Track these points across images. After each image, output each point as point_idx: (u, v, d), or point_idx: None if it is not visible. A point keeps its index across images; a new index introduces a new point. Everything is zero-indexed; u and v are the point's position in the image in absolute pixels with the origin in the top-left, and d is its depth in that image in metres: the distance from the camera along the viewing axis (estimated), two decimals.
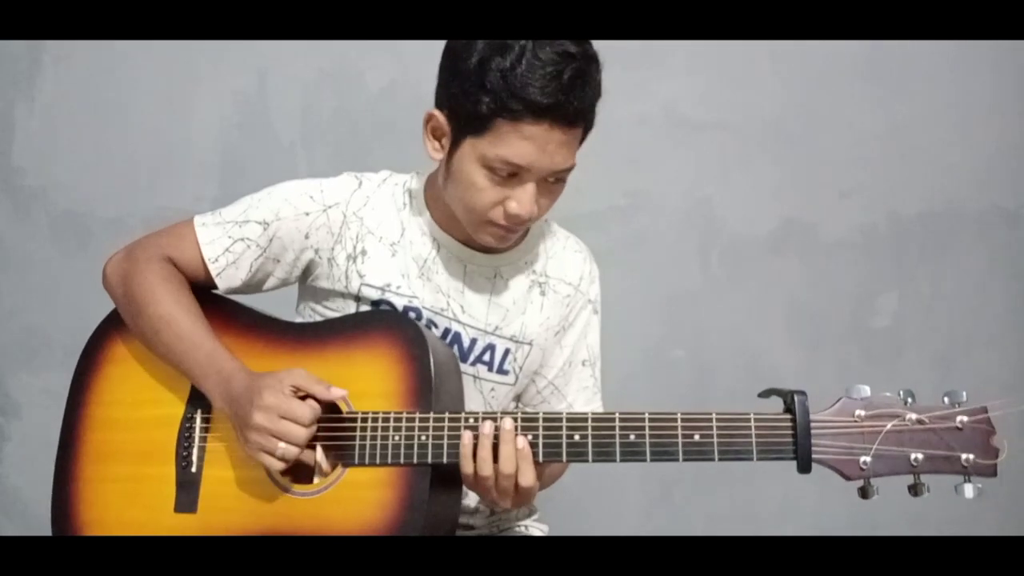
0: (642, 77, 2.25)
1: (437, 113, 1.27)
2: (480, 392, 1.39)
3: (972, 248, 2.30)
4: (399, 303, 1.34)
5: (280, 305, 1.44)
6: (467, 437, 1.19)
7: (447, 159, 1.28)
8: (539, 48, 1.17)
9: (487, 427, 1.18)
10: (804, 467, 1.10)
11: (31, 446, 2.34)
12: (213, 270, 1.35)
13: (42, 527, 1.35)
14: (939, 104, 2.29)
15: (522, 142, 1.19)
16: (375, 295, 1.34)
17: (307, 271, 1.39)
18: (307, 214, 1.35)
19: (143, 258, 1.36)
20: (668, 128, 2.30)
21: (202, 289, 1.37)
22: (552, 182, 1.26)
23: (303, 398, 1.22)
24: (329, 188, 1.37)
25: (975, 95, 2.29)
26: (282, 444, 1.19)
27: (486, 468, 1.18)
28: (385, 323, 1.30)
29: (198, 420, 1.31)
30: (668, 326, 2.33)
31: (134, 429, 1.34)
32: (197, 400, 1.32)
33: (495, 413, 1.21)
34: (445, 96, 1.26)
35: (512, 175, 1.22)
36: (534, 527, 1.52)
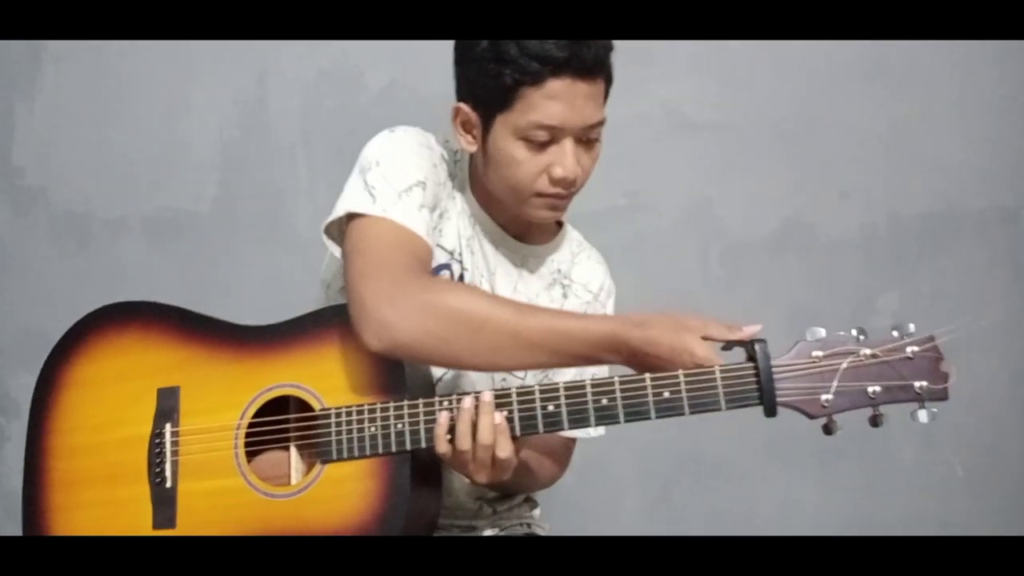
0: (642, 77, 2.25)
1: (462, 105, 1.29)
2: (491, 378, 1.40)
3: (972, 248, 2.30)
4: (457, 271, 1.36)
5: (276, 305, 1.44)
6: (443, 417, 1.17)
7: (483, 146, 1.30)
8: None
9: (467, 402, 1.17)
10: (770, 411, 1.12)
11: None
12: (431, 243, 1.28)
13: None
14: (939, 104, 2.29)
15: (550, 102, 1.22)
16: (444, 258, 1.36)
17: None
18: (435, 166, 1.33)
19: (405, 294, 1.17)
20: (668, 128, 2.30)
21: (151, 304, 1.36)
22: (587, 140, 1.28)
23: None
24: (430, 140, 1.36)
25: (975, 95, 2.29)
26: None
27: (464, 442, 1.16)
28: (347, 317, 1.27)
29: (167, 435, 1.30)
30: None
31: (101, 452, 1.32)
32: (165, 415, 1.31)
33: (468, 394, 1.19)
34: (466, 85, 1.28)
35: (549, 141, 1.25)
36: (536, 527, 1.52)
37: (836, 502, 2.11)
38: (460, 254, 1.37)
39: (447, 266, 1.36)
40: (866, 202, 2.30)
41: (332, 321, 1.28)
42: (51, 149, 2.42)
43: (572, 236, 1.50)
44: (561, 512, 1.52)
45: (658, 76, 2.29)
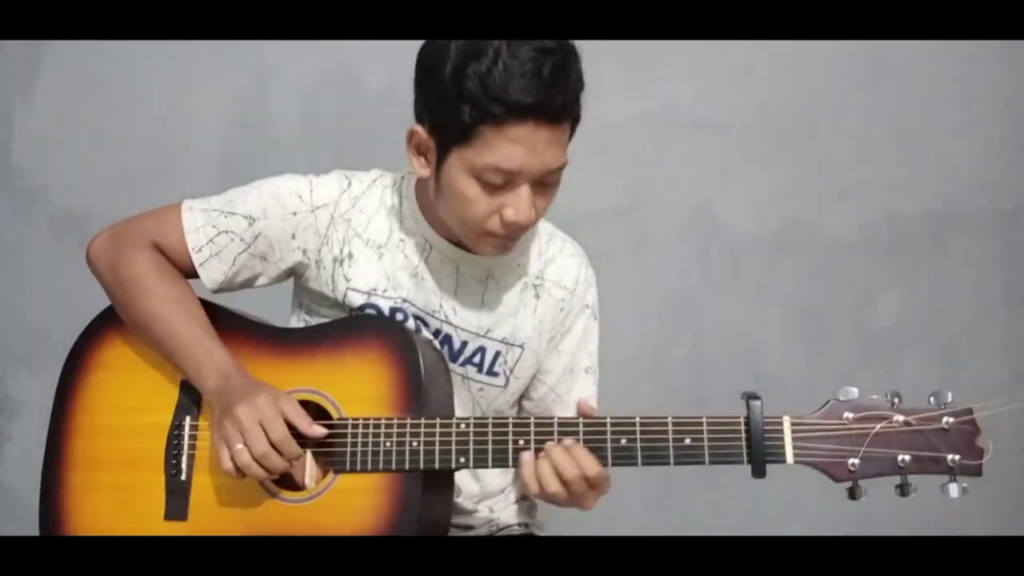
0: (642, 77, 2.25)
1: (419, 128, 1.24)
2: (468, 391, 1.38)
3: (972, 248, 2.30)
4: (385, 306, 1.33)
5: (274, 305, 1.44)
6: (527, 459, 1.17)
7: (435, 174, 1.24)
8: (514, 48, 1.14)
9: (526, 456, 1.17)
10: (760, 472, 1.13)
11: (31, 446, 2.33)
12: (196, 260, 1.33)
13: None
14: (939, 104, 2.29)
15: (510, 146, 1.16)
16: (361, 300, 1.33)
17: (296, 271, 1.37)
18: (294, 214, 1.33)
19: (129, 245, 1.34)
20: (668, 128, 2.30)
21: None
22: (546, 183, 1.23)
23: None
24: (318, 187, 1.34)
25: (975, 95, 2.29)
26: (240, 445, 1.19)
27: (553, 484, 1.16)
28: (374, 327, 1.29)
29: (187, 428, 1.30)
30: (668, 326, 2.32)
31: (121, 437, 1.32)
32: (186, 408, 1.31)
33: (486, 419, 1.21)
34: (424, 110, 1.22)
35: (504, 182, 1.19)
36: (534, 527, 1.52)
37: (836, 502, 2.11)
38: (392, 289, 1.33)
39: (368, 305, 1.33)
40: (866, 202, 2.30)
41: (359, 331, 1.28)
42: (51, 149, 2.42)
43: (540, 232, 1.41)
44: (561, 512, 1.51)
45: (658, 76, 2.28)
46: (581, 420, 1.18)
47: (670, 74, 2.29)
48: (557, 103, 1.16)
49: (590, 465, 1.16)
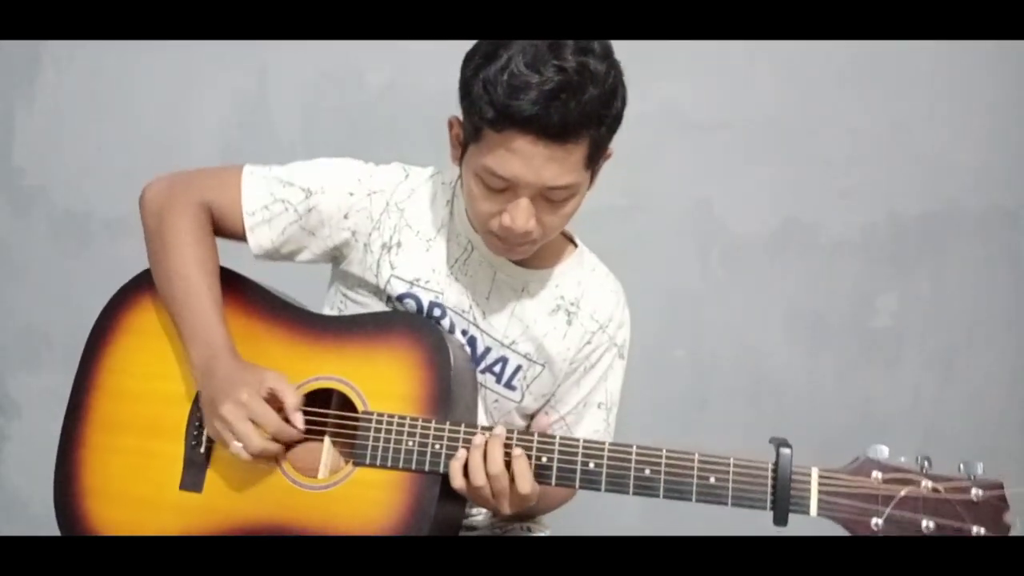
0: (642, 77, 2.24)
1: (455, 119, 1.27)
2: (483, 400, 1.38)
3: (972, 248, 2.30)
4: (425, 298, 1.34)
5: (310, 289, 1.44)
6: (461, 452, 1.20)
7: (460, 166, 1.28)
8: (524, 57, 1.14)
9: (477, 438, 1.19)
10: (781, 521, 1.13)
11: (31, 446, 2.34)
12: (248, 224, 1.35)
13: (42, 527, 1.34)
14: (939, 104, 2.29)
15: (508, 155, 1.16)
16: (403, 288, 1.34)
17: (340, 253, 1.37)
18: (351, 194, 1.34)
19: (183, 199, 1.36)
20: (668, 128, 2.30)
21: (231, 272, 1.37)
22: (553, 200, 1.21)
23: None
24: (378, 174, 1.36)
25: (975, 95, 2.29)
26: (236, 443, 1.20)
27: (478, 477, 1.18)
28: (409, 325, 1.29)
29: None
30: (668, 326, 2.32)
31: (145, 402, 1.33)
32: None
33: (512, 432, 1.21)
34: (460, 100, 1.24)
35: (505, 188, 1.20)
36: (535, 527, 1.52)
37: None
38: (435, 282, 1.34)
39: (409, 295, 1.34)
40: (866, 202, 2.30)
41: (393, 326, 1.29)
42: (51, 149, 2.42)
43: (585, 261, 1.43)
44: (561, 512, 1.52)
45: (658, 76, 2.28)
46: (607, 444, 1.18)
47: (670, 74, 2.29)
48: (554, 120, 1.14)
49: (524, 484, 1.17)
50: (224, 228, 1.37)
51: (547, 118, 1.14)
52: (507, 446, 1.18)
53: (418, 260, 1.35)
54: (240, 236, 1.36)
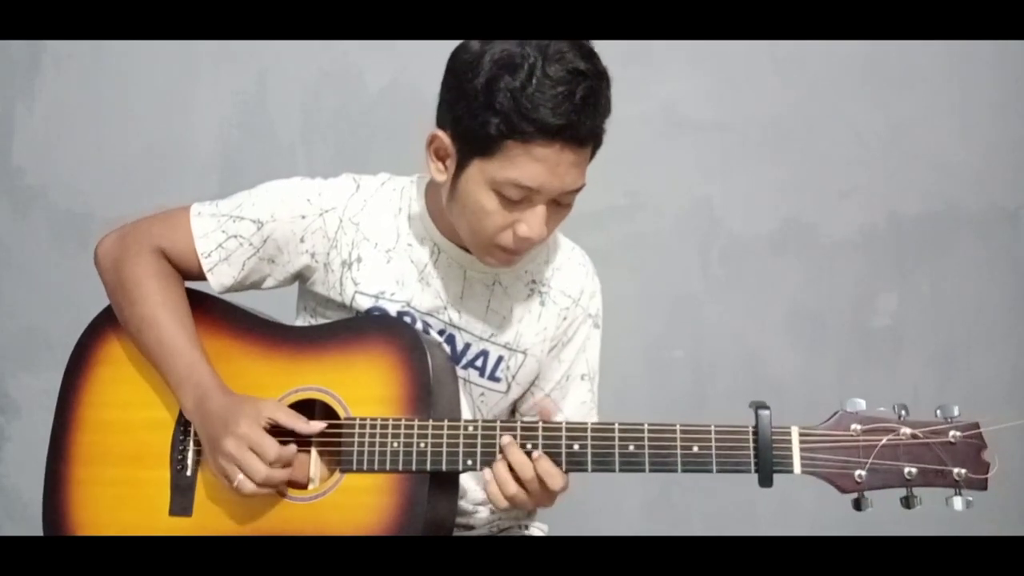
0: (642, 77, 2.25)
1: (441, 134, 1.23)
2: (469, 396, 1.38)
3: (972, 248, 2.30)
4: (392, 309, 1.33)
5: (280, 306, 1.44)
6: (487, 473, 1.20)
7: (452, 181, 1.24)
8: (548, 66, 1.14)
9: (488, 474, 1.21)
10: (766, 482, 1.14)
11: (31, 446, 2.33)
12: (205, 265, 1.34)
13: (42, 527, 1.35)
14: (939, 104, 2.29)
15: (533, 164, 1.16)
16: (368, 303, 1.33)
17: (303, 275, 1.38)
18: (303, 217, 1.33)
19: (135, 248, 1.35)
20: (668, 128, 2.30)
21: (199, 292, 1.37)
22: (562, 203, 1.23)
23: (276, 430, 1.22)
24: (327, 191, 1.35)
25: (975, 95, 2.29)
26: (240, 476, 1.20)
27: (510, 487, 1.19)
28: (383, 328, 1.29)
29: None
30: (668, 326, 2.32)
31: (127, 431, 1.33)
32: None
33: (494, 422, 1.21)
34: (450, 117, 1.21)
35: (522, 198, 1.19)
36: (534, 527, 1.52)
37: (836, 502, 2.11)
38: (400, 292, 1.33)
39: (375, 309, 1.34)
40: (866, 202, 2.30)
41: (368, 331, 1.29)
42: (51, 149, 2.42)
43: (550, 239, 1.40)
44: (561, 512, 1.51)
45: (658, 76, 2.28)
46: (589, 425, 1.19)
47: (670, 74, 2.29)
48: (585, 127, 1.16)
49: (555, 480, 1.18)
50: (181, 271, 1.36)
51: (580, 126, 1.16)
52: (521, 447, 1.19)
53: (380, 273, 1.34)
54: (198, 277, 1.36)
